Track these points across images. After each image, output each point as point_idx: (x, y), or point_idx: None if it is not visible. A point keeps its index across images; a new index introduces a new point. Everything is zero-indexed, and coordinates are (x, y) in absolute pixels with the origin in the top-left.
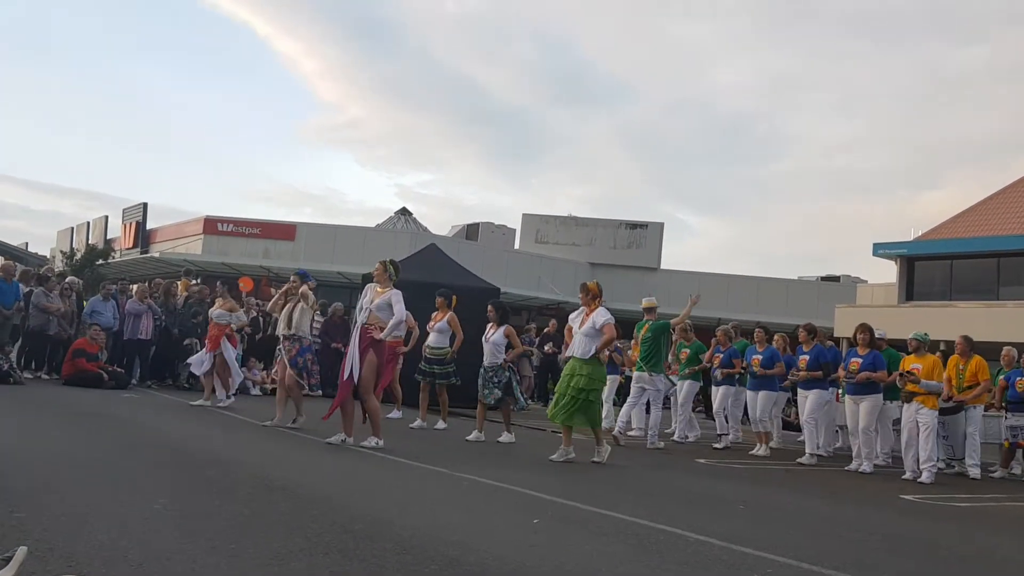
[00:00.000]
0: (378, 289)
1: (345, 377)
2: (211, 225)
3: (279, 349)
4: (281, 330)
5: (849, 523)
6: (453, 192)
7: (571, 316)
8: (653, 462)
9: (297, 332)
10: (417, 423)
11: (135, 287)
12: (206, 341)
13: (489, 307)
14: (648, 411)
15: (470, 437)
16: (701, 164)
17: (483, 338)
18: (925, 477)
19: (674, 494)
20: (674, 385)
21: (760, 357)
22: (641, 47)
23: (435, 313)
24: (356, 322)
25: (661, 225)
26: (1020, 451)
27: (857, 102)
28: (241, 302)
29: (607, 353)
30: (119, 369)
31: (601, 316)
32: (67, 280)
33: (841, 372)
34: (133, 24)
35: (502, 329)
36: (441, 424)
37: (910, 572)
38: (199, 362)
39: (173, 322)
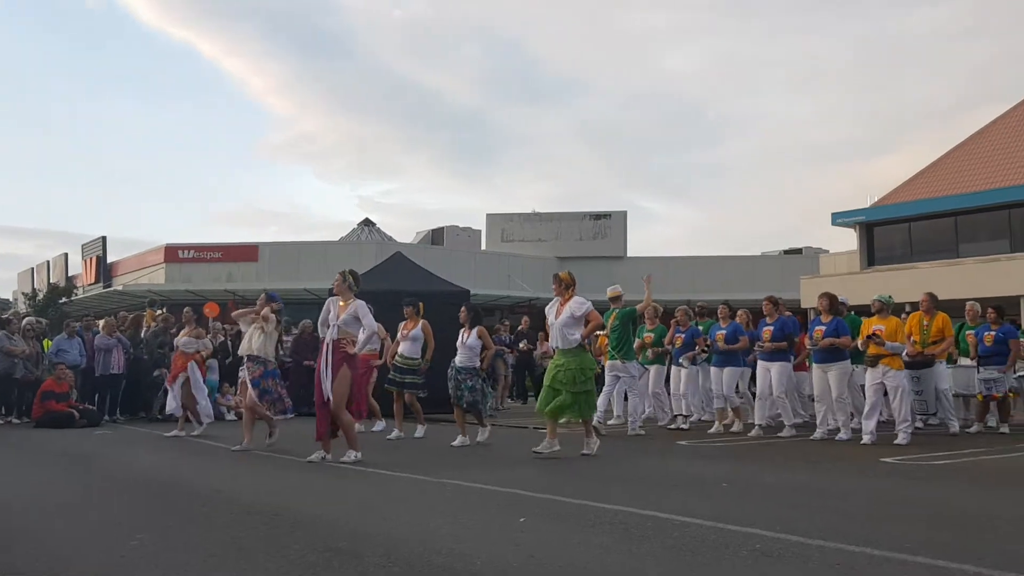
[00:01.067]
0: (341, 303)
1: (321, 398)
2: (172, 253)
3: (242, 370)
4: (244, 350)
5: (831, 491)
6: (415, 199)
7: (546, 309)
8: (635, 448)
9: (260, 355)
10: (395, 434)
11: (102, 322)
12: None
13: (462, 310)
14: (626, 398)
15: (455, 443)
16: (660, 151)
17: (459, 342)
18: (902, 438)
19: (658, 479)
20: (646, 370)
21: (724, 332)
22: (590, 40)
23: (405, 322)
24: (324, 339)
25: (624, 214)
26: (994, 403)
27: (806, 76)
28: (207, 328)
29: (600, 336)
30: (90, 407)
31: (580, 305)
32: (25, 321)
33: (806, 341)
34: (75, 55)
35: (475, 331)
36: (420, 431)
37: (896, 535)
38: (171, 402)
39: (142, 354)
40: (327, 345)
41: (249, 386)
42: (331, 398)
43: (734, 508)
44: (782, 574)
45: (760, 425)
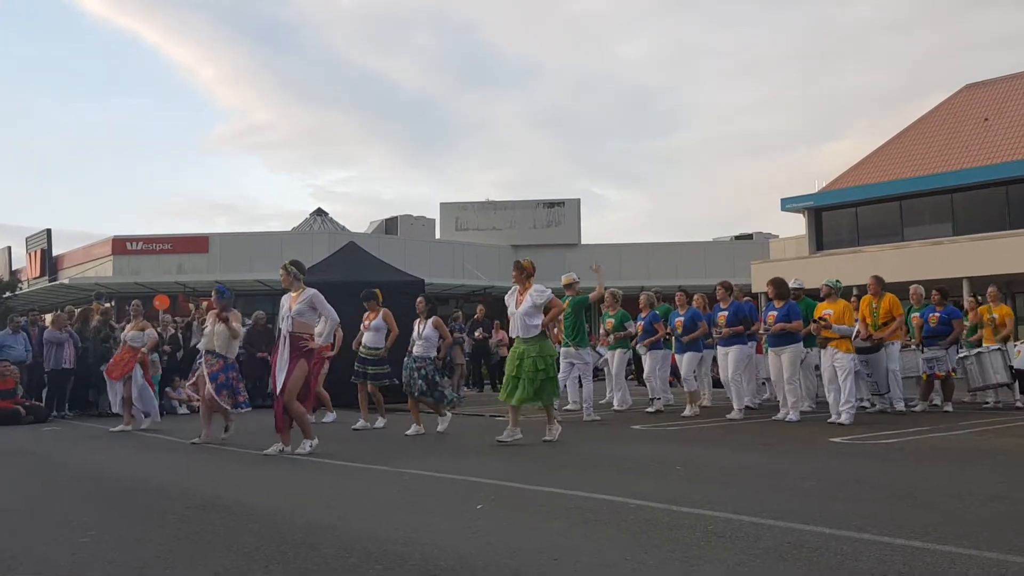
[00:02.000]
0: (292, 295)
1: (277, 390)
2: (120, 245)
3: (199, 362)
4: (204, 345)
5: (783, 472)
6: (370, 188)
7: (506, 297)
8: (590, 434)
9: (222, 352)
10: (360, 423)
11: (48, 316)
12: (113, 365)
13: (419, 300)
14: (580, 384)
15: (409, 432)
16: (613, 138)
17: (415, 332)
18: (844, 418)
19: (612, 463)
20: (602, 356)
21: (682, 319)
22: (543, 25)
23: (367, 313)
24: (280, 332)
25: (578, 201)
26: (937, 382)
27: (754, 65)
28: (157, 321)
29: (556, 330)
30: (37, 403)
31: (540, 293)
32: None
33: (760, 326)
34: (13, 44)
35: (431, 321)
36: (380, 422)
37: (846, 513)
38: (114, 396)
39: (87, 349)
40: (283, 338)
41: (207, 380)
42: (283, 389)
43: (688, 491)
44: (734, 553)
45: (750, 407)
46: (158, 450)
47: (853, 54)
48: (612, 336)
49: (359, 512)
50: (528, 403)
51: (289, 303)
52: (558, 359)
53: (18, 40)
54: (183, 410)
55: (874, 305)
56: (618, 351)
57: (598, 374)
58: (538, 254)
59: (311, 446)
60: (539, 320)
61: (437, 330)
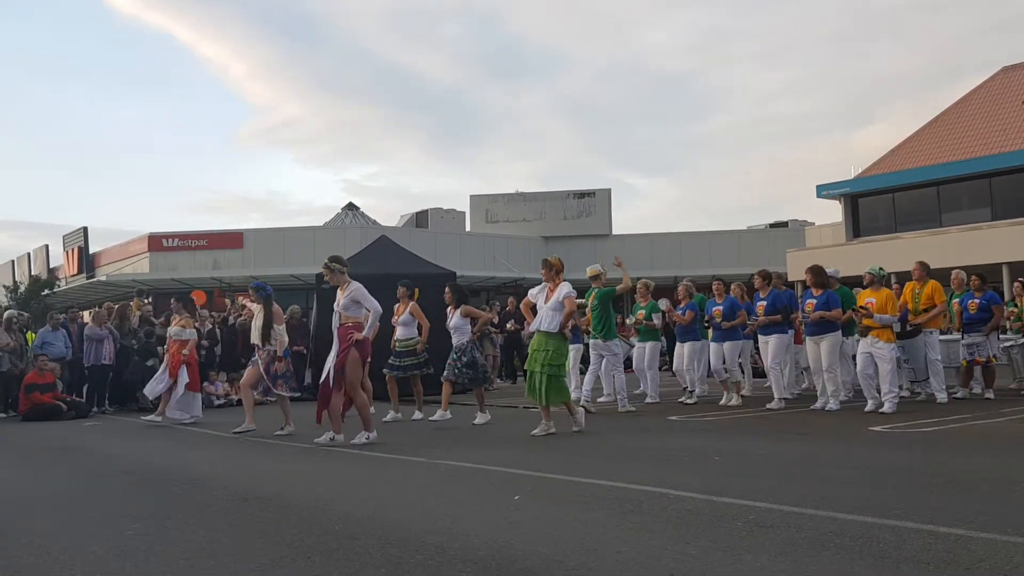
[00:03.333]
0: (340, 290)
1: (323, 380)
2: (156, 242)
3: (255, 359)
4: (256, 340)
5: (823, 461)
6: (400, 181)
7: (532, 291)
8: (626, 425)
9: (258, 342)
10: (391, 416)
11: (88, 313)
12: (167, 358)
13: (446, 290)
14: (613, 376)
15: (435, 417)
16: (643, 126)
17: (446, 324)
18: (888, 407)
19: (650, 454)
20: (632, 348)
21: (720, 308)
22: (568, 14)
23: (397, 306)
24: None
25: (608, 191)
26: (978, 368)
27: (786, 48)
28: (196, 316)
29: (571, 324)
30: (78, 398)
31: (563, 290)
32: (6, 315)
33: (798, 314)
34: (53, 45)
35: (459, 311)
36: (417, 415)
37: (888, 501)
38: (155, 383)
39: (131, 344)
40: (335, 332)
41: (264, 375)
42: (341, 381)
43: (727, 481)
44: (777, 543)
45: (785, 398)
46: (197, 443)
47: (888, 36)
48: (634, 326)
49: (397, 503)
50: (546, 401)
51: (338, 297)
52: (587, 354)
53: (55, 40)
54: (219, 402)
55: (917, 291)
56: (649, 343)
57: (630, 365)
58: (569, 245)
59: (368, 437)
60: (560, 318)
61: (466, 317)
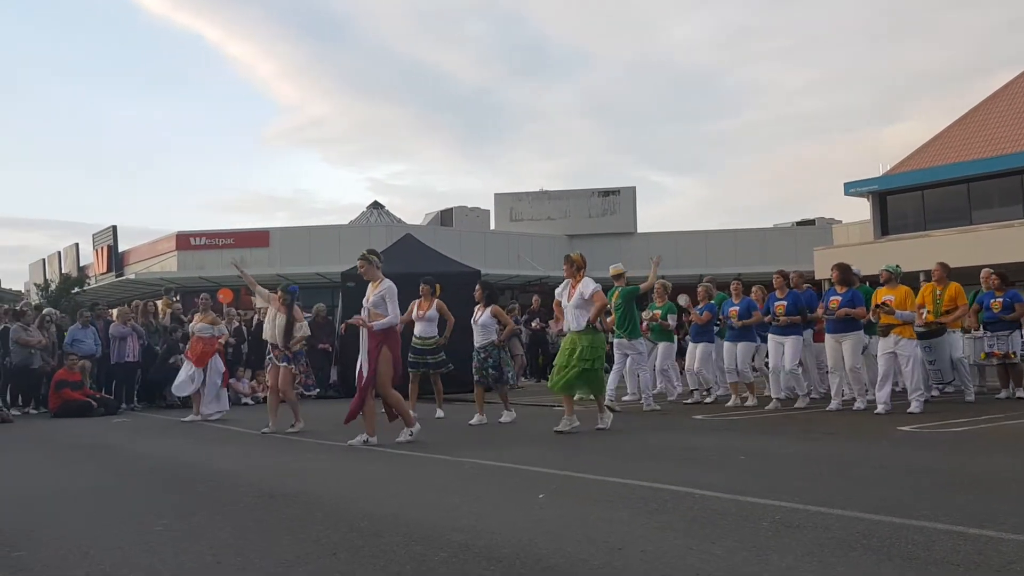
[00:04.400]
0: (372, 285)
1: (362, 379)
2: (184, 240)
3: (270, 357)
4: (269, 337)
5: (850, 461)
6: (425, 180)
7: (557, 290)
8: (651, 424)
9: (271, 341)
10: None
11: (115, 311)
12: (188, 356)
13: (477, 288)
14: (638, 375)
15: (473, 421)
16: (668, 124)
17: (472, 320)
18: (914, 407)
19: (675, 453)
20: (656, 345)
21: (737, 308)
22: (593, 11)
23: (418, 301)
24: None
25: (633, 189)
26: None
27: (813, 45)
28: (222, 314)
29: (608, 320)
30: (107, 395)
31: (588, 286)
32: (44, 312)
33: (821, 312)
34: (81, 45)
35: (489, 309)
36: (439, 412)
37: (916, 502)
38: (185, 384)
39: (156, 342)
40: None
41: (279, 366)
42: (375, 380)
43: (752, 480)
44: (804, 543)
45: (778, 398)
46: (224, 440)
47: (917, 31)
48: (648, 323)
49: (421, 501)
50: (576, 392)
51: (369, 292)
52: (610, 352)
53: (82, 40)
54: (247, 400)
55: (938, 292)
56: (663, 343)
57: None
58: (593, 243)
59: (411, 434)
60: (587, 314)
61: (495, 318)
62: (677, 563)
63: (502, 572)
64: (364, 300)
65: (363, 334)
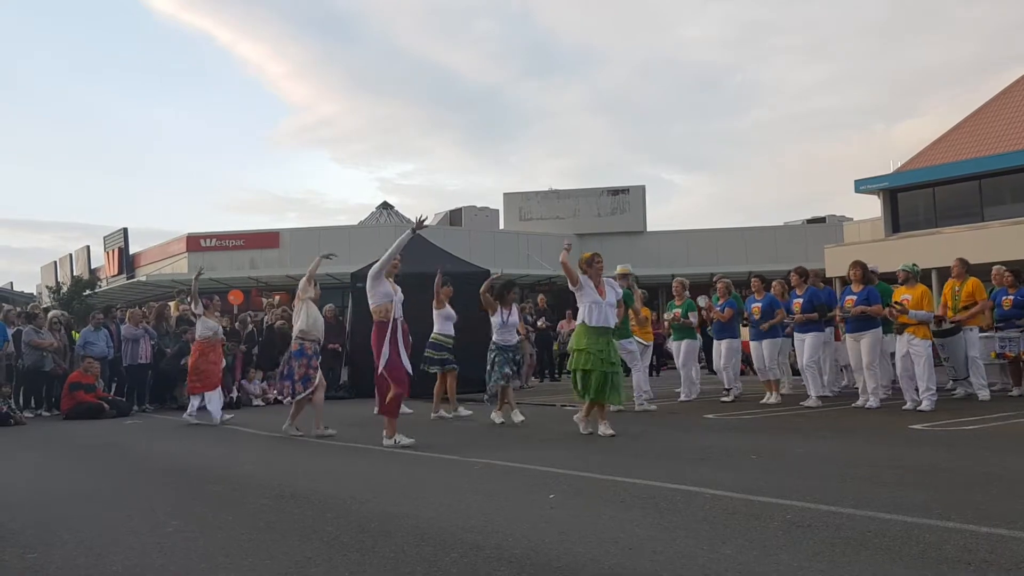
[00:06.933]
0: (394, 283)
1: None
2: (194, 242)
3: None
4: (311, 329)
5: (862, 460)
6: (434, 179)
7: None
8: (663, 423)
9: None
10: (440, 414)
11: (127, 313)
12: (196, 363)
13: (511, 291)
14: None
15: (516, 420)
16: (678, 122)
17: (501, 319)
18: (925, 405)
19: (686, 452)
20: (647, 346)
21: (760, 305)
22: (603, 9)
23: (435, 300)
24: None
25: (643, 188)
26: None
27: (824, 42)
28: (234, 315)
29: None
30: (119, 397)
31: (613, 288)
32: (51, 314)
33: (838, 310)
34: (90, 47)
35: (516, 308)
36: (464, 411)
37: (927, 501)
38: (216, 404)
39: (167, 344)
40: (398, 325)
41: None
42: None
43: (764, 480)
44: (815, 543)
45: (816, 396)
46: (235, 441)
47: (928, 27)
48: (669, 323)
49: (432, 501)
50: (603, 398)
51: (397, 290)
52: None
53: (94, 41)
54: (258, 402)
55: (956, 288)
56: (684, 341)
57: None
58: (603, 242)
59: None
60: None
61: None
62: (687, 563)
63: (513, 572)
64: (395, 295)
65: (398, 331)
